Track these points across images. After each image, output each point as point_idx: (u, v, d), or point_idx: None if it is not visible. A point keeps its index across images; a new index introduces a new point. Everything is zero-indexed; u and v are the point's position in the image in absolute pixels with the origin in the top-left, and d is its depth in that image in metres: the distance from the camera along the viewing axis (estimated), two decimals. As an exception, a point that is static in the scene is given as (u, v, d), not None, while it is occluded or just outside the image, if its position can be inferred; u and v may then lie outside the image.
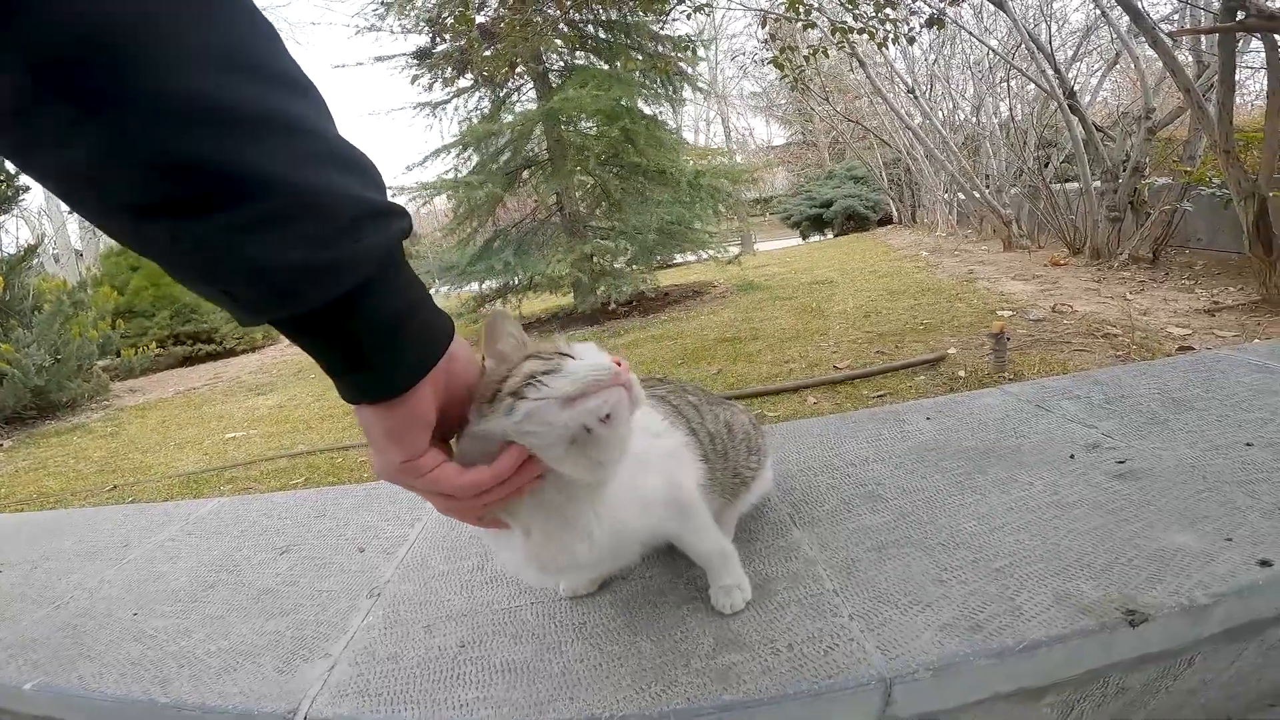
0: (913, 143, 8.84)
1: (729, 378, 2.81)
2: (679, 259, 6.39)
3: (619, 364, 0.64)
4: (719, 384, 2.73)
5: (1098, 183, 5.21)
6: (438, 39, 5.89)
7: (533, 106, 6.16)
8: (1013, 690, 0.77)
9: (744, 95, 21.79)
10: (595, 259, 5.47)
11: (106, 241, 14.34)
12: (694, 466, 0.90)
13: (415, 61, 6.31)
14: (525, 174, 6.16)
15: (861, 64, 7.03)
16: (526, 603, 1.00)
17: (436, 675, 0.87)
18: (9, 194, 6.40)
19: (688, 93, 7.09)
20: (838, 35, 4.91)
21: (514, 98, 6.58)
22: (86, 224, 15.99)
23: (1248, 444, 1.10)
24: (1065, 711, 0.80)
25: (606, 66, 6.03)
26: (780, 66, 5.31)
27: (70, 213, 14.09)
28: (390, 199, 0.50)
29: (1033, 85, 6.22)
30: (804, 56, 5.08)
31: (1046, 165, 6.63)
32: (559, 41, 6.03)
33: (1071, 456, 1.14)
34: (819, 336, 3.26)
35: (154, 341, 7.79)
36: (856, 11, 4.65)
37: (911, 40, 5.08)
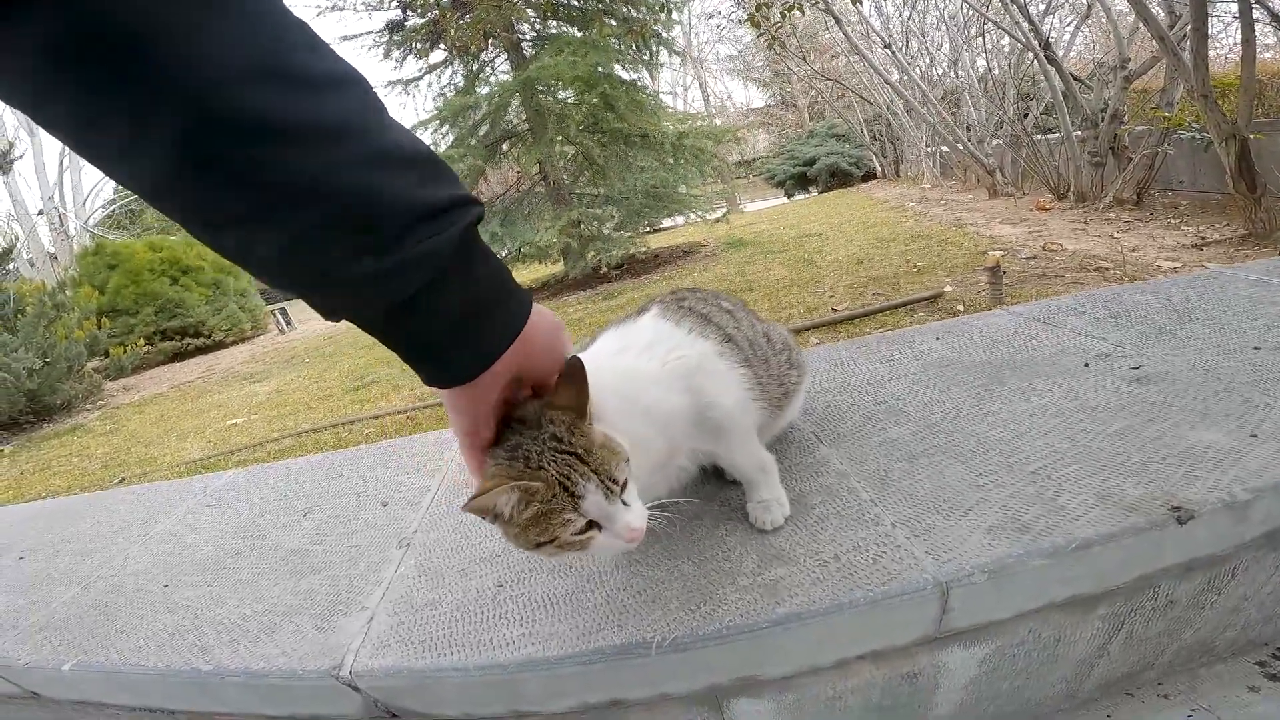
0: (892, 98, 8.78)
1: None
2: (667, 223, 6.37)
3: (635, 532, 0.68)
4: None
5: (1078, 131, 5.24)
6: (408, 11, 5.75)
7: (507, 78, 6.05)
8: (1068, 598, 0.77)
9: (720, 59, 21.50)
10: (583, 225, 5.43)
11: (81, 242, 14.03)
12: (733, 376, 0.87)
13: (386, 36, 6.17)
14: (505, 145, 6.07)
15: (837, 20, 6.95)
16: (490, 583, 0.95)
17: (478, 616, 0.86)
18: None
19: (664, 56, 7.01)
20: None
21: (487, 70, 6.46)
22: (57, 226, 15.54)
23: (1255, 348, 1.12)
24: (1116, 625, 0.81)
25: (580, 34, 5.92)
26: (756, 25, 5.24)
27: (39, 213, 13.61)
28: (457, 186, 0.50)
29: (1008, 39, 6.19)
30: (779, 13, 5.00)
31: (1026, 116, 6.64)
32: (530, 11, 5.91)
33: (1086, 365, 1.16)
34: (814, 284, 3.29)
35: (141, 339, 7.67)
36: None
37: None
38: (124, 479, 3.18)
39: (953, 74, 8.07)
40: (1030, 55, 5.53)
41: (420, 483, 1.34)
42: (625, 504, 0.69)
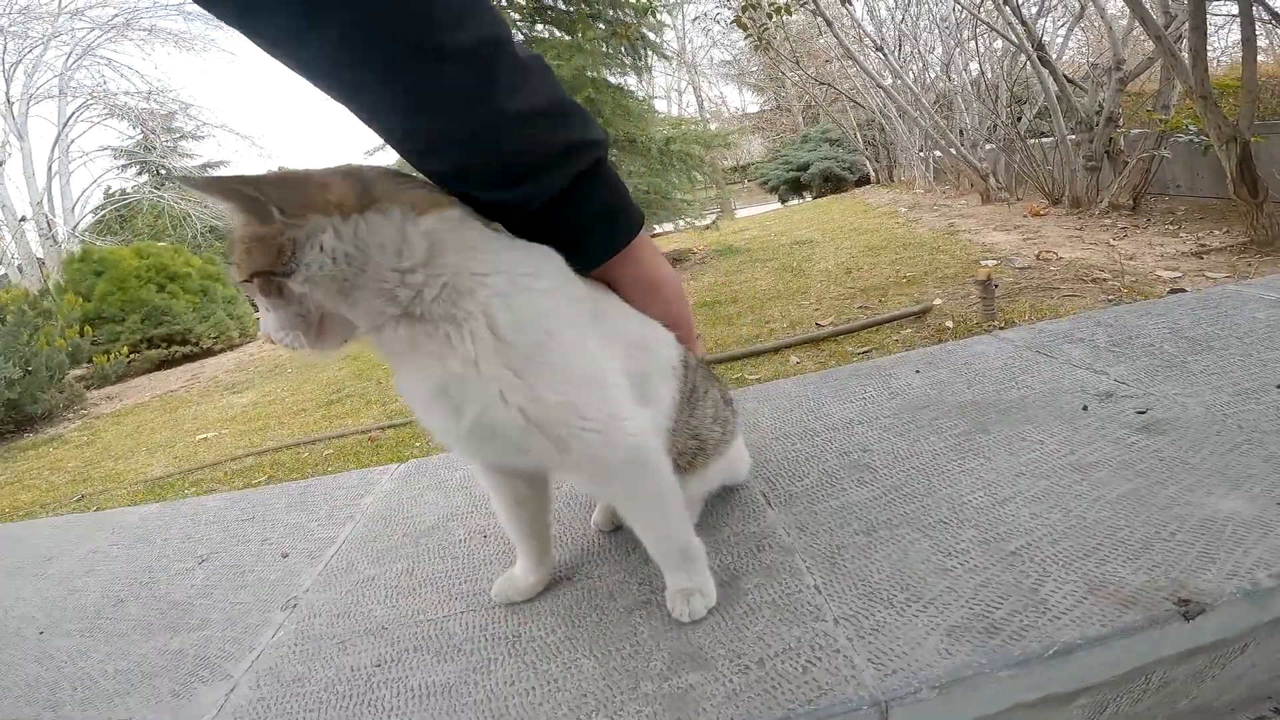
0: (885, 103, 8.69)
1: (708, 342, 2.72)
2: (657, 229, 6.25)
3: None
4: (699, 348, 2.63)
5: (1072, 135, 5.14)
6: None
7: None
8: (1039, 698, 0.65)
9: (714, 63, 21.41)
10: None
11: (69, 248, 13.92)
12: (668, 390, 0.74)
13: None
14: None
15: (829, 24, 6.87)
16: (456, 611, 0.87)
17: (345, 699, 0.76)
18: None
19: (654, 61, 6.91)
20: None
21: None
22: (45, 232, 15.46)
23: (1279, 386, 1.00)
24: (1097, 711, 0.69)
25: (568, 38, 5.81)
26: (744, 27, 5.14)
27: (21, 219, 13.51)
28: (581, 131, 0.67)
29: (1001, 41, 6.10)
30: (767, 15, 4.91)
31: (1019, 120, 6.55)
32: (515, 16, 5.80)
33: (1084, 408, 1.03)
34: (800, 295, 3.17)
35: (126, 347, 7.54)
36: None
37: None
38: (83, 497, 3.08)
39: (945, 77, 7.99)
40: (1023, 58, 5.44)
41: (328, 532, 1.23)
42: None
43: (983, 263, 3.19)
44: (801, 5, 5.33)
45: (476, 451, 0.77)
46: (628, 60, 6.16)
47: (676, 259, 5.99)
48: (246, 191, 0.61)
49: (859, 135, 11.38)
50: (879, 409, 1.15)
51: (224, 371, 6.81)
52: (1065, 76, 5.33)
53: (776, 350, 2.26)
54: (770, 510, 0.92)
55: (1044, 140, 5.82)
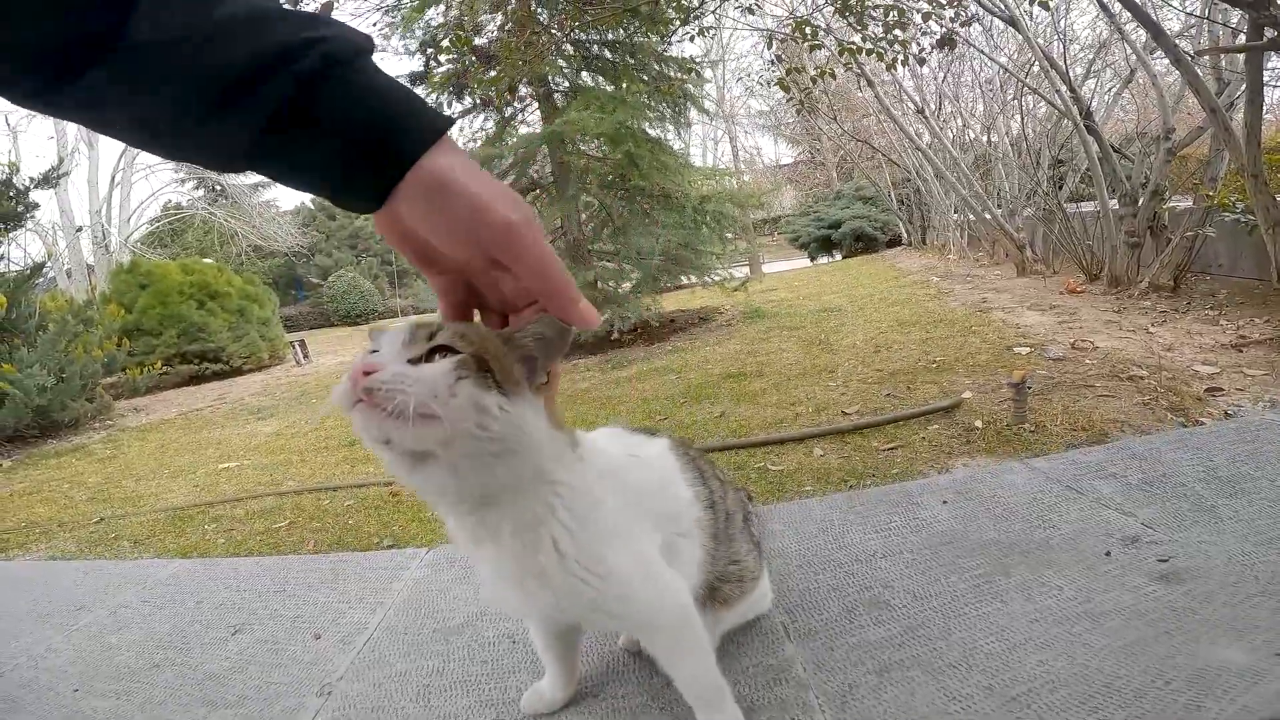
0: (922, 163, 8.72)
1: (733, 422, 2.69)
2: (684, 280, 6.29)
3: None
4: (723, 428, 2.61)
5: (1115, 204, 5.06)
6: (432, 62, 5.86)
7: (537, 129, 6.10)
8: None
9: (751, 114, 21.79)
10: (599, 284, 5.37)
11: (117, 258, 14.48)
12: (694, 554, 0.84)
13: (412, 84, 6.30)
14: (529, 198, 6.09)
15: (870, 83, 6.95)
16: (486, 718, 0.88)
17: None
18: (17, 211, 6.39)
19: (693, 114, 7.06)
20: (845, 56, 4.83)
21: (519, 119, 6.54)
22: (100, 240, 16.10)
23: None
24: None
25: (611, 87, 5.97)
26: (786, 89, 5.23)
27: (78, 230, 14.13)
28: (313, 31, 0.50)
29: (1044, 104, 6.11)
30: (810, 78, 4.99)
31: (1061, 186, 6.48)
32: (563, 63, 5.98)
33: (1108, 553, 1.02)
34: (827, 375, 3.14)
35: (160, 360, 7.75)
36: (865, 32, 4.57)
37: (922, 62, 4.99)
38: (102, 519, 3.11)
39: (985, 139, 8.00)
40: (1067, 121, 5.42)
41: (360, 617, 1.23)
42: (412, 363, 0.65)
43: (1016, 349, 3.14)
44: (846, 68, 5.41)
45: (541, 621, 0.89)
46: (667, 113, 6.30)
47: (703, 318, 6.00)
48: (549, 361, 0.71)
49: (893, 194, 11.41)
50: (903, 542, 1.13)
51: (250, 394, 6.94)
52: (1111, 146, 5.29)
53: (802, 439, 2.23)
54: (789, 643, 0.93)
55: (1083, 207, 5.75)
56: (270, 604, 1.32)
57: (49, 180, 6.94)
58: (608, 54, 6.17)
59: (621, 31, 5.80)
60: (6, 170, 6.27)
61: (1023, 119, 6.75)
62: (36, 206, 6.92)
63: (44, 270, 6.85)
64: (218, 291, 8.71)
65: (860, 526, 1.21)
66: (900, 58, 4.60)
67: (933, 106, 8.08)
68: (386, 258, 20.92)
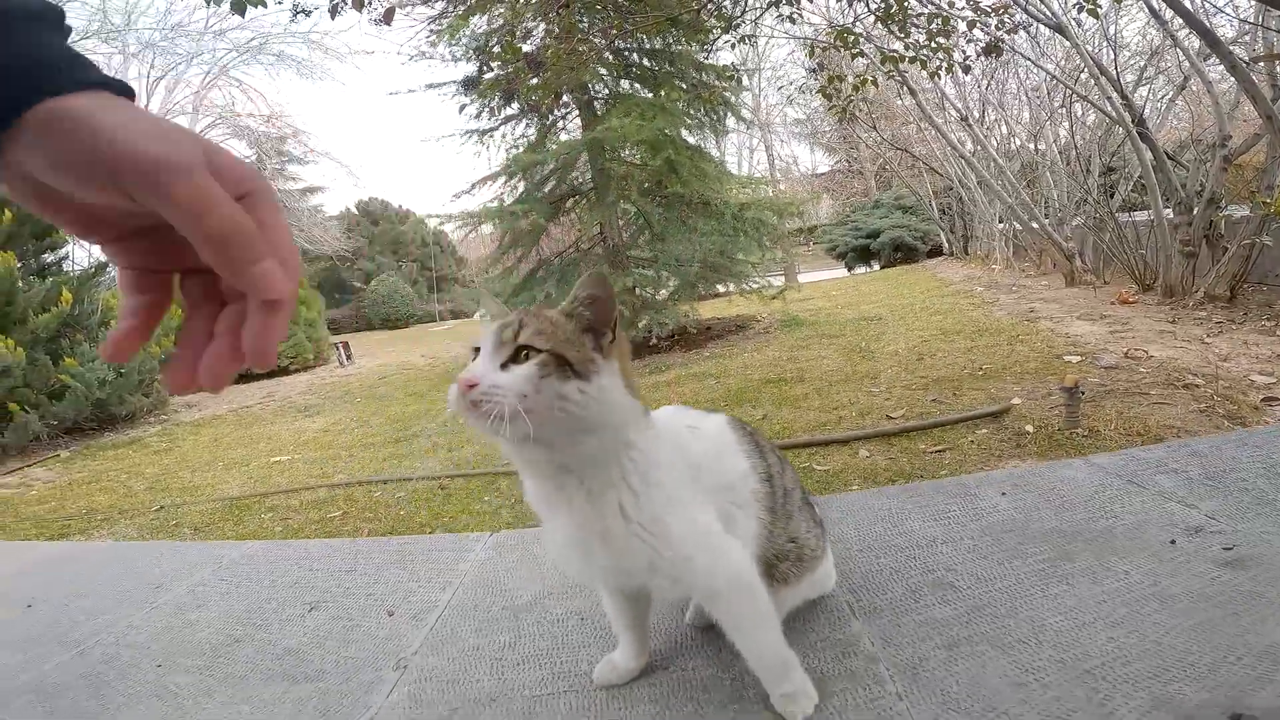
0: (965, 171, 8.59)
1: (775, 424, 2.69)
2: (720, 288, 6.30)
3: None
4: (766, 430, 2.62)
5: (1170, 213, 4.91)
6: (484, 68, 6.00)
7: (578, 135, 6.21)
8: None
9: (788, 122, 21.72)
10: (638, 291, 5.42)
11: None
12: (749, 526, 0.87)
13: (464, 90, 6.46)
14: (569, 203, 6.19)
15: (912, 92, 6.90)
16: (560, 690, 0.92)
17: None
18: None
19: (731, 121, 7.09)
20: (888, 65, 4.81)
21: (559, 126, 6.66)
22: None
23: None
24: None
25: (651, 95, 6.04)
26: (828, 96, 5.22)
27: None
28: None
29: (1094, 111, 5.97)
30: (853, 86, 4.98)
31: (1112, 195, 6.31)
32: (603, 70, 6.07)
33: (1172, 542, 1.02)
34: (869, 380, 3.12)
35: (212, 359, 8.05)
36: (908, 40, 4.55)
37: (967, 69, 4.93)
38: (163, 508, 3.24)
39: (1032, 146, 7.84)
40: (1118, 129, 5.28)
41: (430, 595, 1.28)
42: (502, 368, 0.76)
43: (1066, 358, 3.08)
44: (889, 76, 5.39)
45: (609, 588, 0.95)
46: (706, 120, 6.35)
47: (740, 326, 6.00)
48: (606, 315, 0.81)
49: (934, 203, 11.24)
50: (963, 529, 1.14)
51: (297, 392, 7.15)
52: (1165, 153, 5.14)
53: (847, 441, 2.23)
54: (855, 620, 0.95)
55: (1135, 216, 5.59)
56: (342, 582, 1.38)
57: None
58: (647, 62, 6.25)
59: (660, 41, 5.88)
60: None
61: (1071, 127, 6.62)
62: (103, 209, 7.27)
63: (107, 269, 7.19)
64: (268, 293, 9.01)
65: (918, 515, 1.22)
66: (945, 65, 4.56)
67: (976, 114, 7.97)
68: (426, 263, 21.40)
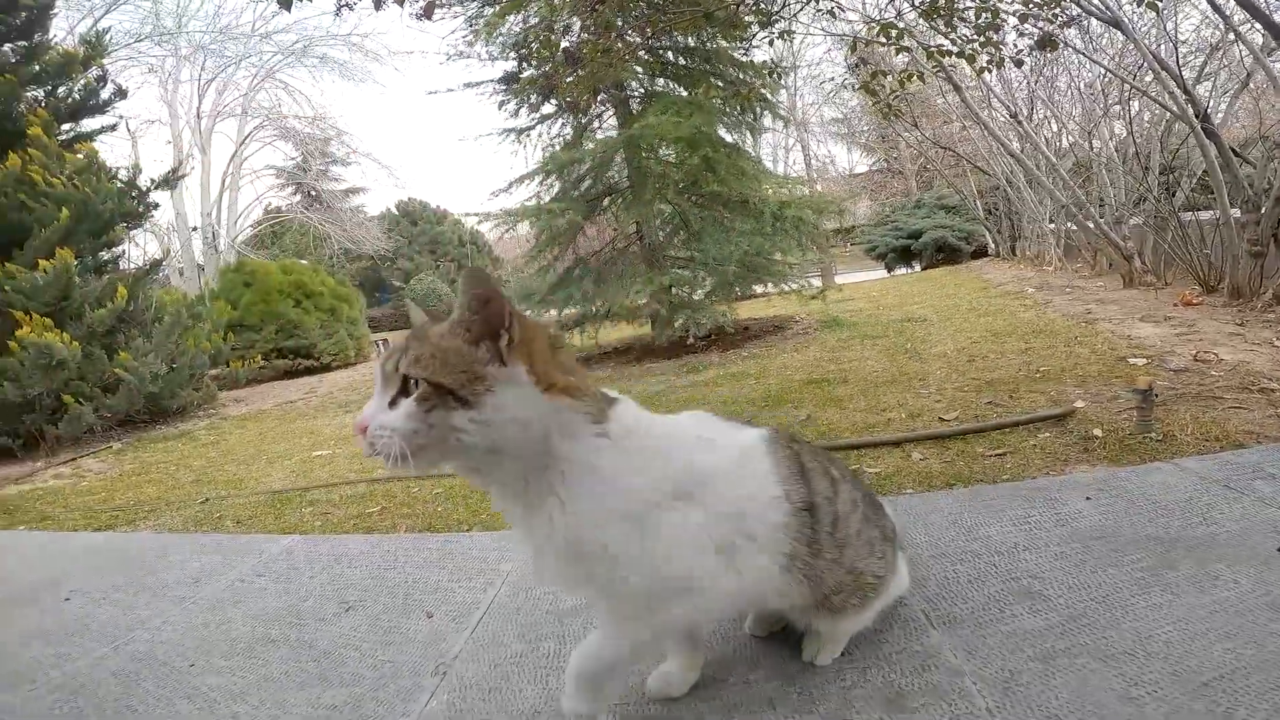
0: (1013, 169, 8.31)
1: (819, 425, 2.60)
2: (758, 288, 6.19)
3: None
4: (809, 432, 2.53)
5: (1236, 212, 4.65)
6: (524, 64, 6.01)
7: (614, 133, 6.18)
8: None
9: (824, 122, 21.36)
10: (674, 290, 5.36)
11: (225, 258, 15.61)
12: (758, 562, 0.80)
13: (503, 88, 6.49)
14: (605, 202, 6.16)
15: (956, 88, 6.69)
16: (610, 703, 0.85)
17: None
18: (139, 210, 6.93)
19: (768, 120, 6.99)
20: (933, 62, 4.66)
21: (595, 124, 6.64)
22: (209, 240, 17.39)
23: None
24: None
25: (686, 93, 5.98)
26: (872, 93, 5.08)
27: (194, 229, 15.34)
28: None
29: (1152, 106, 5.70)
30: (898, 81, 4.83)
31: (1173, 193, 6.01)
32: (639, 69, 6.03)
33: (1279, 550, 0.93)
34: (918, 382, 3.00)
35: (260, 355, 8.25)
36: (954, 35, 4.39)
37: (1019, 64, 4.75)
38: (208, 500, 3.30)
39: (1085, 143, 7.53)
40: (1178, 125, 5.02)
41: (470, 597, 1.24)
42: (391, 405, 0.72)
43: (1130, 360, 2.92)
44: (935, 73, 5.23)
45: (563, 593, 1.01)
46: (742, 118, 6.26)
47: (778, 326, 5.88)
48: (498, 316, 0.72)
49: (979, 203, 10.91)
50: (1046, 535, 1.07)
51: (338, 389, 7.28)
52: (1231, 149, 4.87)
53: (898, 443, 2.13)
54: (934, 631, 0.88)
55: (1200, 216, 5.32)
56: (381, 581, 1.35)
57: (168, 182, 7.55)
58: (683, 60, 6.19)
59: (695, 38, 5.80)
60: (130, 172, 6.83)
61: (1130, 123, 6.34)
62: (156, 206, 7.52)
63: (161, 266, 7.43)
64: (312, 291, 9.23)
65: (994, 520, 1.14)
66: (995, 59, 4.39)
67: (1024, 111, 7.70)
68: (463, 263, 21.68)
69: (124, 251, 7.31)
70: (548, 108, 6.59)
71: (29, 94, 6.31)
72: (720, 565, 0.79)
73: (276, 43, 17.71)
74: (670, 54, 6.11)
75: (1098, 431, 2.02)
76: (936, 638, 0.86)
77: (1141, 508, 1.10)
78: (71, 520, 3.12)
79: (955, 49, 4.37)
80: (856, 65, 5.60)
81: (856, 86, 5.23)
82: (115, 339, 5.83)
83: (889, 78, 5.03)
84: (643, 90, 6.29)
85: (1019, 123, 6.71)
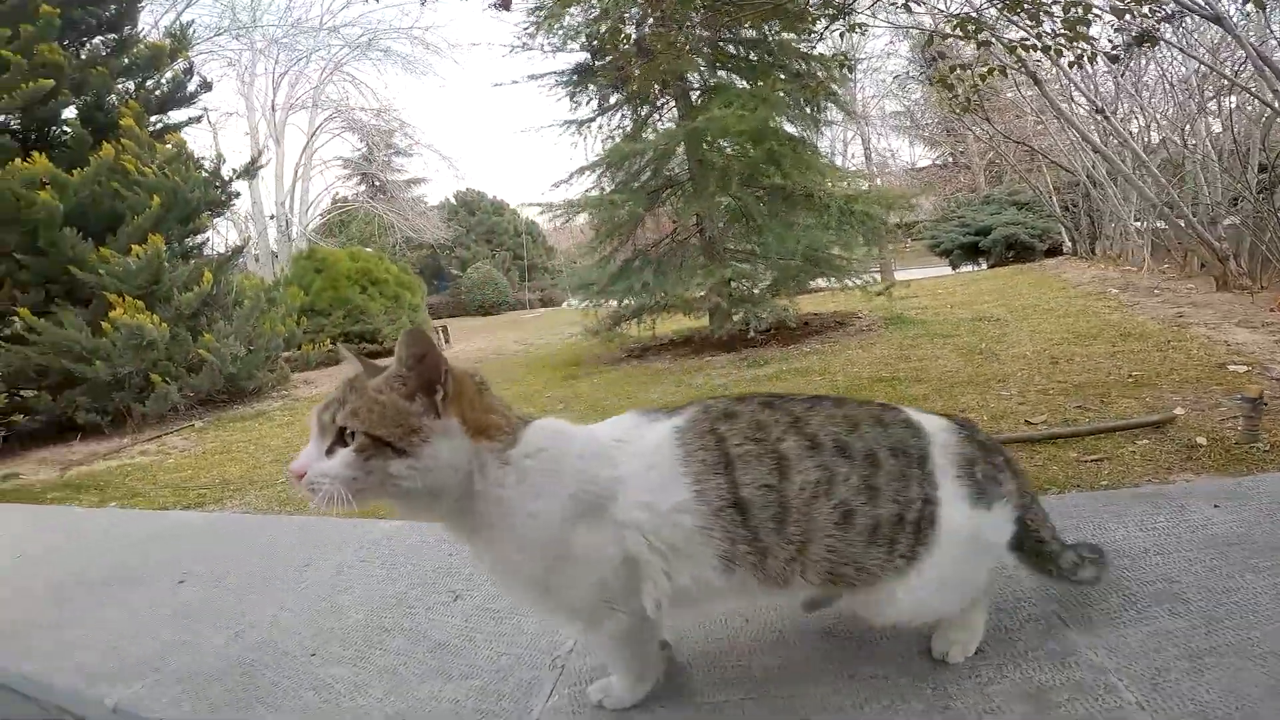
0: (1095, 164, 7.89)
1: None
2: (822, 282, 6.06)
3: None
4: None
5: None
6: (597, 55, 6.02)
7: (673, 126, 6.15)
8: None
9: (885, 115, 20.71)
10: (734, 284, 5.30)
11: (298, 245, 16.29)
12: (683, 567, 0.80)
13: (565, 79, 6.52)
14: (665, 195, 6.15)
15: (1036, 82, 6.39)
16: (734, 698, 0.84)
17: None
18: (222, 199, 7.26)
19: (833, 113, 6.82)
20: (1015, 55, 4.45)
21: (655, 117, 6.62)
22: (283, 229, 18.18)
23: None
24: None
25: (746, 85, 5.90)
26: (949, 87, 4.90)
27: (271, 217, 15.99)
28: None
29: (1251, 102, 5.31)
30: (979, 76, 4.64)
31: (1273, 192, 5.60)
32: (700, 60, 5.97)
33: None
34: (997, 383, 2.89)
35: (328, 338, 8.59)
36: (1039, 29, 4.19)
37: (1115, 59, 4.50)
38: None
39: (1177, 139, 7.09)
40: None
41: None
42: (328, 454, 0.77)
43: (1230, 367, 2.74)
44: (1017, 67, 5.00)
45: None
46: (807, 111, 6.13)
47: (840, 322, 5.76)
48: (434, 371, 0.78)
49: (1054, 199, 10.40)
50: (1175, 541, 1.03)
51: (402, 372, 7.46)
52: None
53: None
54: (1070, 631, 0.87)
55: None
56: (487, 565, 1.34)
57: (248, 172, 7.91)
58: (746, 52, 6.10)
59: (756, 31, 5.70)
60: (214, 162, 7.17)
61: (1230, 119, 5.93)
62: (237, 195, 7.89)
63: (241, 253, 7.80)
64: (378, 278, 9.55)
65: (1117, 522, 1.11)
66: (1086, 54, 4.17)
67: (1109, 104, 7.28)
68: (518, 253, 22.04)
69: (208, 238, 7.69)
70: (609, 99, 6.61)
71: (119, 86, 6.61)
72: (640, 577, 0.79)
73: (344, 36, 18.24)
74: (732, 46, 6.03)
75: (1201, 439, 1.91)
76: (1073, 637, 0.85)
77: (1275, 517, 1.05)
78: (161, 497, 3.24)
79: (1040, 43, 4.17)
80: (933, 60, 5.40)
81: (933, 80, 5.05)
82: (199, 321, 6.12)
83: (968, 71, 4.85)
84: (701, 83, 6.23)
85: (1105, 117, 6.36)
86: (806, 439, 0.80)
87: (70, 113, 6.21)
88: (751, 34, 5.75)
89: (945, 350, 3.86)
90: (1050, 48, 4.10)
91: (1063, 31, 4.05)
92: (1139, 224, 7.80)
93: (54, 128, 6.24)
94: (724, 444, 0.81)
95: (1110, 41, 4.34)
